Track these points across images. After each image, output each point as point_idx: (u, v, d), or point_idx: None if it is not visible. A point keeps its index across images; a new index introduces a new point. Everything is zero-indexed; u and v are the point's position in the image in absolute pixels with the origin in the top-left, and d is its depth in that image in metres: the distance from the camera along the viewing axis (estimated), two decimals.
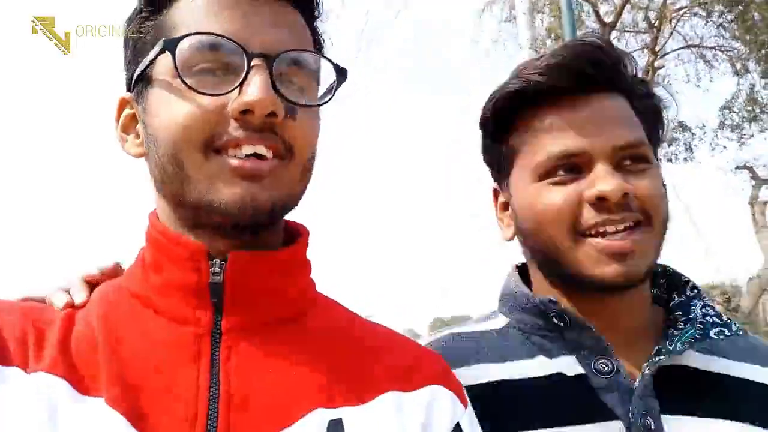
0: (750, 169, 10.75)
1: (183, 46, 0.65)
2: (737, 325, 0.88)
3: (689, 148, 10.71)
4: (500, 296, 1.02)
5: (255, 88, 0.63)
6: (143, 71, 0.69)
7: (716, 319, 0.88)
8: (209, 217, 0.65)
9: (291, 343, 0.69)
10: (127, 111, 0.74)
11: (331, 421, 0.65)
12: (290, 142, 0.67)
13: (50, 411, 0.59)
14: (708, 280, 12.79)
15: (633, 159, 0.86)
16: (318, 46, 0.76)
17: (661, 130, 0.95)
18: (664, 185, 0.90)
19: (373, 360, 0.73)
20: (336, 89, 0.72)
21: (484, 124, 0.98)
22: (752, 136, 10.21)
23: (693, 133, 10.68)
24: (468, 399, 0.77)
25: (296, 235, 0.76)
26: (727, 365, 0.88)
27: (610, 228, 0.83)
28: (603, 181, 0.82)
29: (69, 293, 0.73)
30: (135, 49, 0.72)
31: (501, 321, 0.97)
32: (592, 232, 0.84)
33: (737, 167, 10.82)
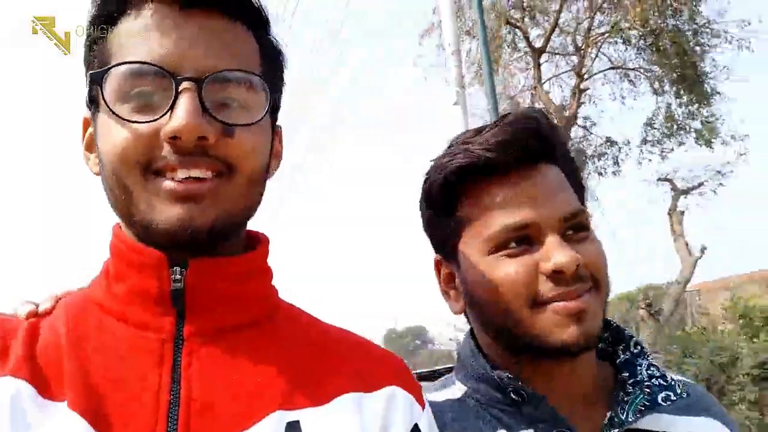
0: (670, 181, 11.54)
1: (111, 76, 0.66)
2: (680, 386, 0.91)
3: (617, 162, 11.40)
4: (457, 360, 1.04)
5: (181, 112, 0.63)
6: (91, 95, 0.70)
7: (662, 381, 0.91)
8: (153, 235, 0.66)
9: (252, 348, 0.71)
10: (90, 129, 0.75)
11: (288, 423, 0.66)
12: (228, 161, 0.67)
13: (14, 412, 0.59)
14: (632, 287, 13.53)
15: (575, 227, 0.90)
16: (268, 55, 0.75)
17: (584, 195, 0.99)
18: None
19: (333, 362, 0.75)
20: (271, 107, 0.72)
21: (428, 198, 0.99)
22: (672, 150, 11.02)
23: (620, 148, 11.39)
24: (426, 401, 0.79)
25: (257, 243, 0.78)
26: (671, 421, 0.92)
27: (567, 298, 0.86)
28: (557, 253, 0.85)
29: (35, 304, 0.73)
30: (88, 71, 0.71)
31: (458, 389, 0.98)
32: (549, 302, 0.87)
33: (659, 179, 11.59)
